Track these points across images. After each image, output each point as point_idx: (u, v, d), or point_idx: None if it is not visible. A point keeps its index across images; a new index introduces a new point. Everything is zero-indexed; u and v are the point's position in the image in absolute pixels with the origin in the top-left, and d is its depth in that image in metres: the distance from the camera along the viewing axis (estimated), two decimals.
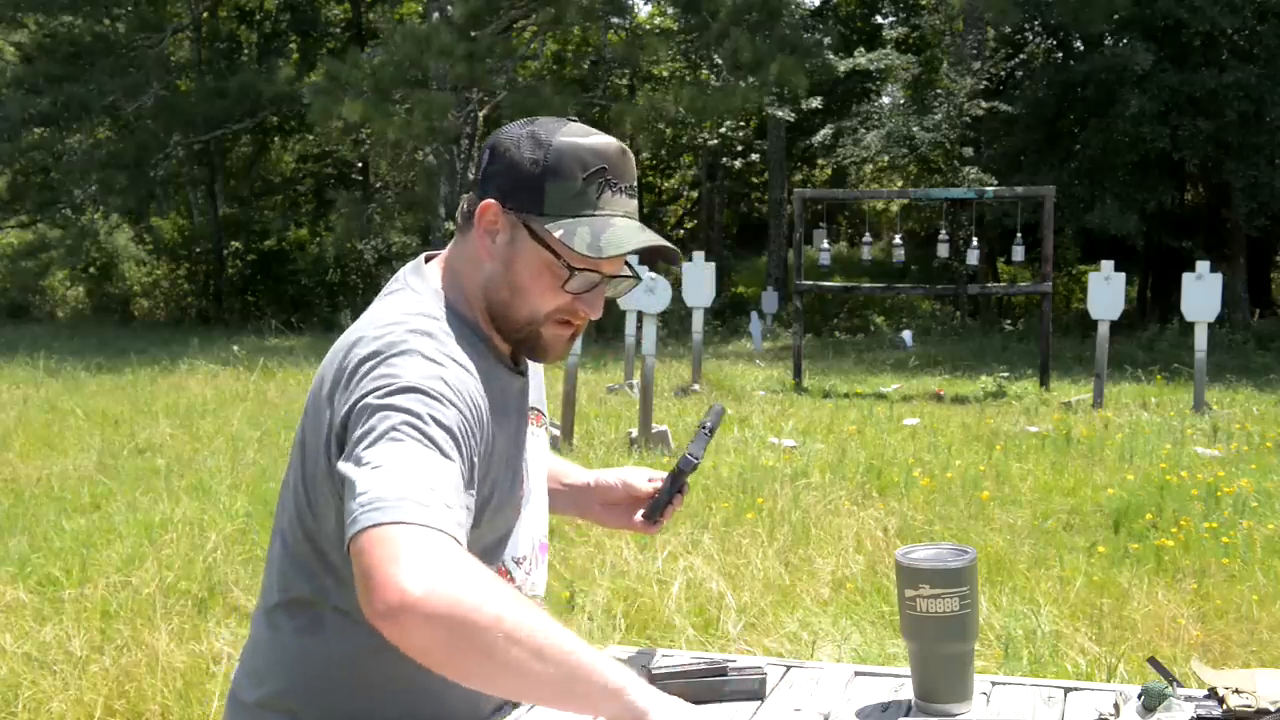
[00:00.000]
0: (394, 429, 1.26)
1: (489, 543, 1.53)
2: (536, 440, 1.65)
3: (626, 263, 1.53)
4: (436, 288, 1.52)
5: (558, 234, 1.43)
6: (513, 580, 1.58)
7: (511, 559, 1.59)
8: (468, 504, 1.31)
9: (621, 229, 1.45)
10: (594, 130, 1.49)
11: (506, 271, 1.47)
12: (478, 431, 1.38)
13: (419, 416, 1.28)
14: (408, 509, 1.18)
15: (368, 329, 1.41)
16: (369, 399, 1.30)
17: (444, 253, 1.58)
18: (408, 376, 1.31)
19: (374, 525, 1.16)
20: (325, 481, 1.40)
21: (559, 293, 1.48)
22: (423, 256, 1.59)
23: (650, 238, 1.47)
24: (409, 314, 1.44)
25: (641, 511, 1.85)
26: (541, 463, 1.69)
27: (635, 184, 1.51)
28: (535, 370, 1.67)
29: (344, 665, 1.48)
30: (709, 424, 1.80)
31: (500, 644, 1.12)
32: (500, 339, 1.53)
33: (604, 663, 1.17)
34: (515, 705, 1.57)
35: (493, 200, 1.46)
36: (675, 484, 1.81)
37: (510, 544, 1.58)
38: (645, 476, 1.87)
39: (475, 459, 1.36)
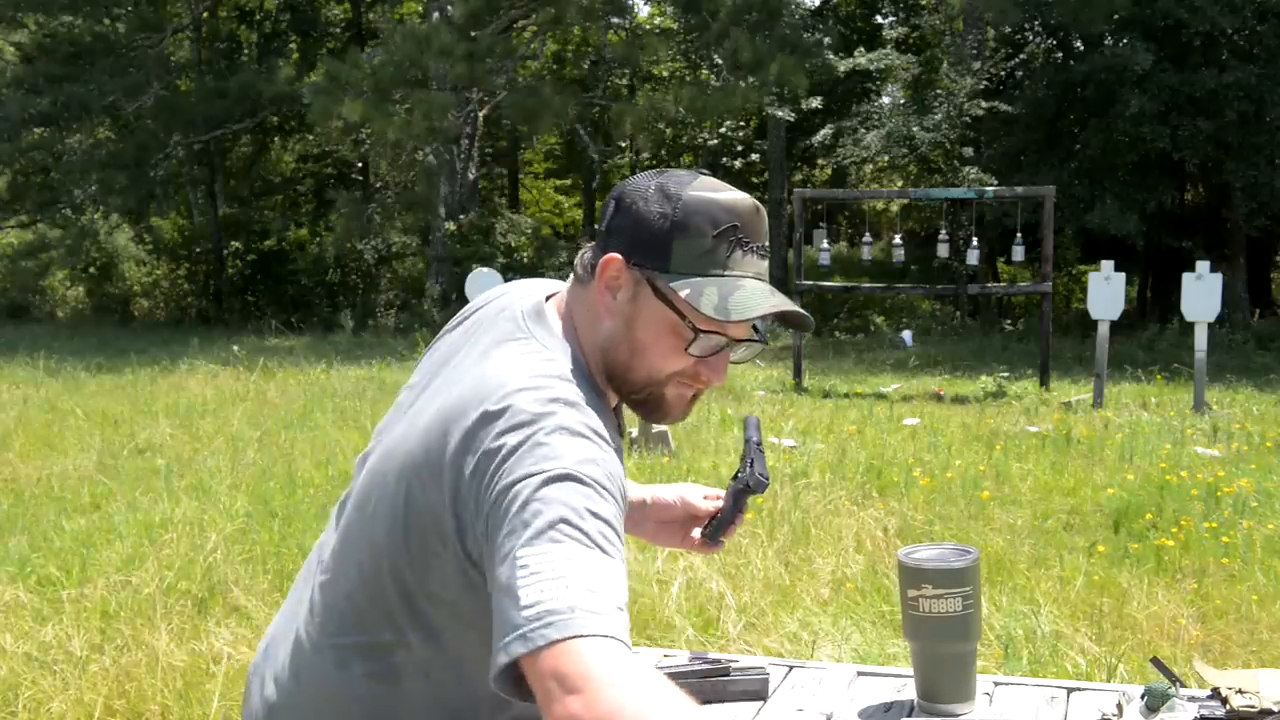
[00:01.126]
0: (552, 527, 1.19)
1: None
2: None
3: (754, 326, 1.46)
4: (563, 341, 1.44)
5: (684, 293, 1.37)
6: None
7: None
8: (625, 599, 1.24)
9: (751, 291, 1.38)
10: (726, 185, 1.42)
11: (627, 330, 1.42)
12: (625, 512, 1.33)
13: (577, 512, 1.21)
14: (577, 621, 1.14)
15: (504, 390, 1.32)
16: (521, 487, 1.23)
17: (561, 297, 1.51)
18: (563, 460, 1.25)
19: (547, 645, 1.13)
20: (438, 541, 1.34)
21: (682, 355, 1.42)
22: (541, 294, 1.51)
23: (780, 302, 1.39)
24: (548, 376, 1.35)
25: (701, 530, 1.80)
26: None
27: (767, 244, 1.43)
28: None
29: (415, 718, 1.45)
30: (756, 437, 1.75)
31: None
32: (613, 396, 1.48)
33: None
34: None
35: (617, 255, 1.40)
36: (738, 503, 1.76)
37: None
38: (701, 494, 1.81)
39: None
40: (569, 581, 1.16)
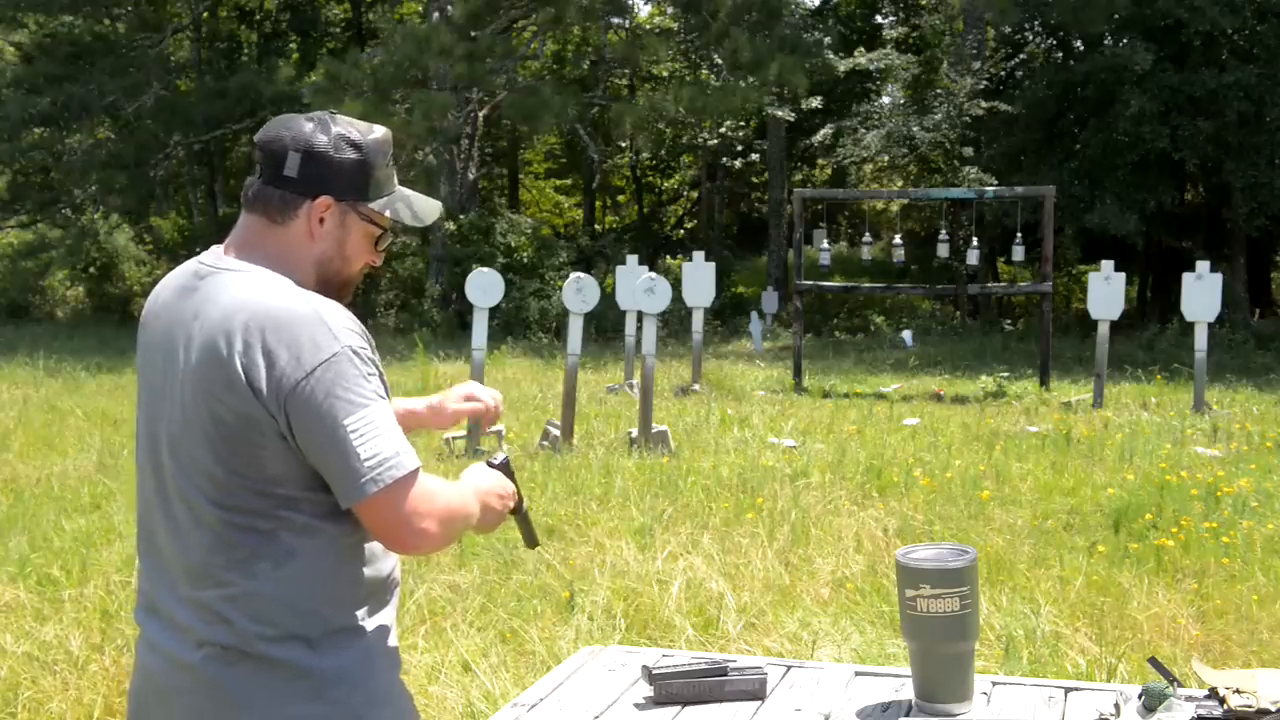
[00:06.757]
0: (358, 396, 1.58)
1: None
2: None
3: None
4: (267, 269, 1.72)
5: (386, 213, 1.78)
6: None
7: None
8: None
9: (419, 199, 1.83)
10: (371, 124, 1.78)
11: (339, 247, 1.77)
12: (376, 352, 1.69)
13: (361, 377, 1.59)
14: (405, 459, 1.59)
15: (260, 303, 1.61)
16: (319, 373, 1.56)
17: (236, 244, 1.79)
18: (341, 339, 1.59)
19: (393, 482, 1.57)
20: (259, 435, 1.58)
21: (373, 251, 1.82)
22: (199, 259, 1.78)
23: (436, 203, 1.87)
24: (281, 285, 1.65)
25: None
26: None
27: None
28: None
29: (327, 576, 1.66)
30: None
31: (462, 526, 1.72)
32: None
33: (470, 490, 1.77)
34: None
35: (328, 197, 1.73)
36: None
37: None
38: (459, 396, 2.12)
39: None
40: (385, 432, 1.58)
